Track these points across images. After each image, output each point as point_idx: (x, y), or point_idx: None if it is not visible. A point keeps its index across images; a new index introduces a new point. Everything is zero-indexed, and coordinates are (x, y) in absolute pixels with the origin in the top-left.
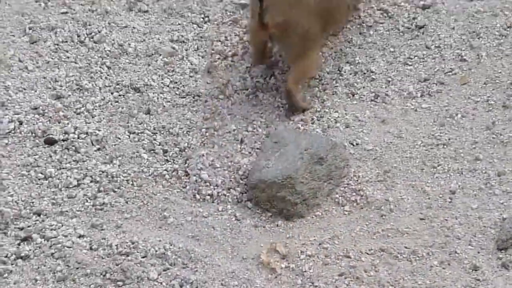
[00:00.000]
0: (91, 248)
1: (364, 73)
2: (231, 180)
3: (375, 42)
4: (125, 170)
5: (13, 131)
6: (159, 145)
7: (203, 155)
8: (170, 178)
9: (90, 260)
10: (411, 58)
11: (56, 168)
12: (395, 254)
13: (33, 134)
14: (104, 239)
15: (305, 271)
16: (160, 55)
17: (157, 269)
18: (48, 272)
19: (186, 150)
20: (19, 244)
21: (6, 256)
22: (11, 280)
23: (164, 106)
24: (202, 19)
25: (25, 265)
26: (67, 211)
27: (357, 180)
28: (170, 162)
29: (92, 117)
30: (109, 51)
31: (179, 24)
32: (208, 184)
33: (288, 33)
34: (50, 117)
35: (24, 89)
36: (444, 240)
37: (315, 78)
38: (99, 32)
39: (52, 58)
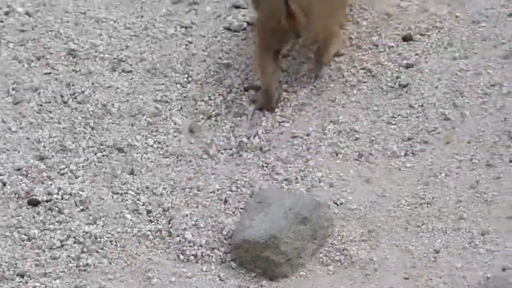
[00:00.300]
0: None
1: (348, 132)
2: (215, 240)
3: (359, 101)
4: (109, 231)
5: None
6: (142, 205)
7: (186, 215)
8: (153, 238)
9: None
10: (395, 117)
11: (39, 229)
12: None
13: (17, 195)
14: None
15: None
16: (144, 115)
17: None
18: None
19: (169, 210)
20: None
21: None
22: None
23: (148, 166)
24: (185, 79)
25: None
26: (50, 273)
27: (341, 240)
28: (153, 223)
29: (76, 178)
30: (93, 111)
31: (162, 84)
32: (192, 244)
33: (312, 17)
34: (34, 178)
35: (7, 150)
36: None
37: (299, 137)
38: (83, 92)
39: (35, 119)
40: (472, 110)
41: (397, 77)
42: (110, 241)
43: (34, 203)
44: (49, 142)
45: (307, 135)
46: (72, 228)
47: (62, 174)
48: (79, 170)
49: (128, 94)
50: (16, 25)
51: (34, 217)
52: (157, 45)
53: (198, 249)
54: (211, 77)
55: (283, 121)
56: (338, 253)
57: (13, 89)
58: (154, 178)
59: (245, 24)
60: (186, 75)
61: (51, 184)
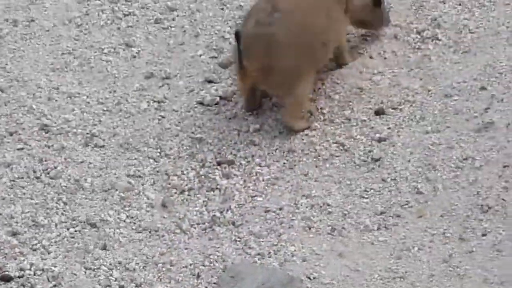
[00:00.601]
0: None
1: (321, 206)
2: None
3: (331, 175)
4: None
5: None
6: (115, 281)
7: None
8: None
9: None
10: (367, 191)
11: None
12: None
13: None
14: None
15: None
16: (117, 190)
17: None
18: None
19: (142, 286)
20: None
21: None
22: None
23: (121, 241)
24: (158, 154)
25: None
26: None
27: None
28: None
29: (48, 253)
30: (65, 186)
31: (135, 158)
32: None
33: (270, 75)
34: (6, 253)
35: None
36: None
37: (272, 211)
38: (55, 167)
39: (8, 195)
40: (445, 184)
41: (369, 151)
42: None
43: (6, 279)
44: (21, 217)
45: (280, 209)
46: None
47: (35, 250)
48: (52, 245)
49: (101, 169)
50: None
51: None
52: (129, 120)
53: None
54: (184, 152)
55: (255, 195)
56: None
57: None
58: (127, 253)
59: (217, 99)
60: (159, 150)
61: (24, 260)
